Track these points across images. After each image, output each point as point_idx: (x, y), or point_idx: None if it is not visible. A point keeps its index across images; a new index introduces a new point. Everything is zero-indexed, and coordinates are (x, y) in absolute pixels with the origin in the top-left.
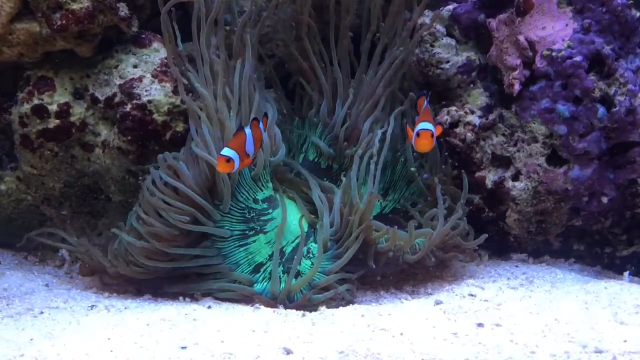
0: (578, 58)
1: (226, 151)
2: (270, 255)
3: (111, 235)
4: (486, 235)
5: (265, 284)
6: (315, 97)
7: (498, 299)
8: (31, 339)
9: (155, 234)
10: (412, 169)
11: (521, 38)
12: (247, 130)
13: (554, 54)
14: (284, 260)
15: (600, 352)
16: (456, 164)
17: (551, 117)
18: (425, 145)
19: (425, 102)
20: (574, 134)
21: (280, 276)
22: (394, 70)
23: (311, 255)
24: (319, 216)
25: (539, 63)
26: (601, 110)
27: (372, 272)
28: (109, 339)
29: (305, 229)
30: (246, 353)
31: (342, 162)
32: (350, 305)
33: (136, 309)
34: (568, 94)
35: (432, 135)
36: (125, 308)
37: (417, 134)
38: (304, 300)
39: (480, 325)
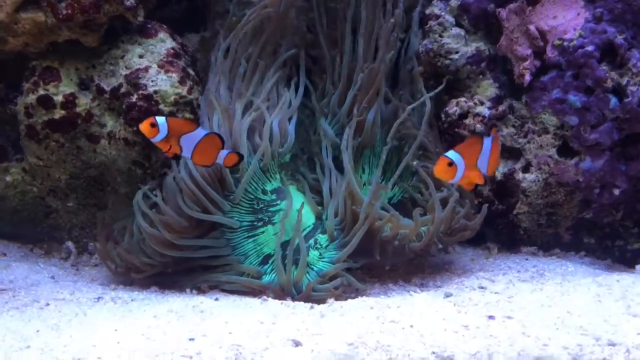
0: (590, 48)
1: (159, 118)
2: (279, 247)
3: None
4: (486, 206)
5: (273, 275)
6: (329, 88)
7: (509, 292)
8: (37, 331)
9: (166, 224)
10: (414, 162)
11: (532, 27)
12: (202, 131)
13: (565, 43)
14: (291, 251)
15: (613, 344)
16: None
17: (562, 108)
18: (438, 172)
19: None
20: (586, 125)
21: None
22: (389, 52)
23: (319, 246)
24: (325, 207)
25: (550, 53)
26: (613, 100)
27: (380, 262)
28: (115, 330)
29: (313, 220)
30: (255, 345)
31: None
32: (359, 297)
33: (143, 301)
34: (580, 84)
35: (450, 165)
36: (132, 300)
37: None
38: (309, 289)
39: (491, 317)
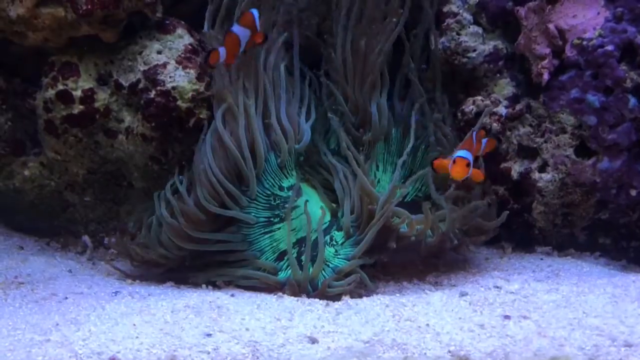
0: (609, 47)
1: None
2: (295, 243)
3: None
4: (507, 213)
5: (289, 271)
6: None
7: (524, 292)
8: (56, 324)
9: (185, 214)
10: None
11: (551, 26)
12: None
13: (584, 42)
14: (308, 248)
15: (630, 345)
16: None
17: (580, 108)
18: (458, 173)
19: (473, 135)
20: (604, 125)
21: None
22: (390, 42)
23: (334, 243)
24: (340, 204)
25: (569, 52)
26: (632, 100)
27: (394, 258)
28: (134, 325)
29: (328, 218)
30: (272, 341)
31: (361, 149)
32: (374, 295)
33: (160, 295)
34: (598, 84)
35: (468, 165)
36: (149, 295)
37: (454, 161)
38: (324, 286)
39: (507, 317)
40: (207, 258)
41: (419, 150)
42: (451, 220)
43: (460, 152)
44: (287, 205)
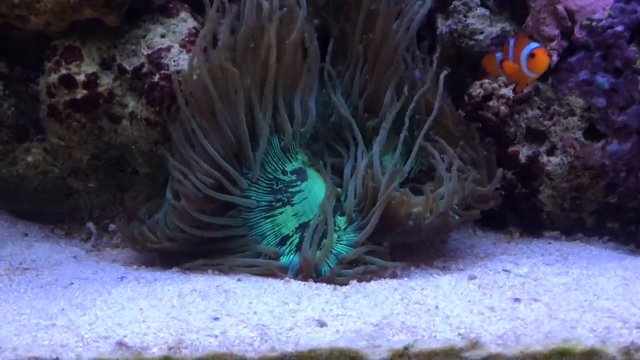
0: (619, 28)
1: None
2: (297, 228)
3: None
4: (501, 172)
5: (291, 256)
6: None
7: (534, 275)
8: (62, 309)
9: (184, 193)
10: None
11: (560, 7)
12: None
13: (594, 23)
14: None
15: None
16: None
17: (590, 90)
18: (544, 63)
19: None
20: (614, 107)
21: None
22: (412, 31)
23: (337, 228)
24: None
25: (578, 33)
26: None
27: (397, 243)
28: (140, 309)
29: (332, 202)
30: (280, 325)
31: (364, 134)
32: (382, 279)
33: (166, 280)
34: (608, 65)
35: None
36: (155, 280)
37: (531, 54)
38: (333, 275)
39: (517, 300)
40: (209, 245)
41: (413, 121)
42: (449, 195)
43: (531, 45)
44: (290, 190)
